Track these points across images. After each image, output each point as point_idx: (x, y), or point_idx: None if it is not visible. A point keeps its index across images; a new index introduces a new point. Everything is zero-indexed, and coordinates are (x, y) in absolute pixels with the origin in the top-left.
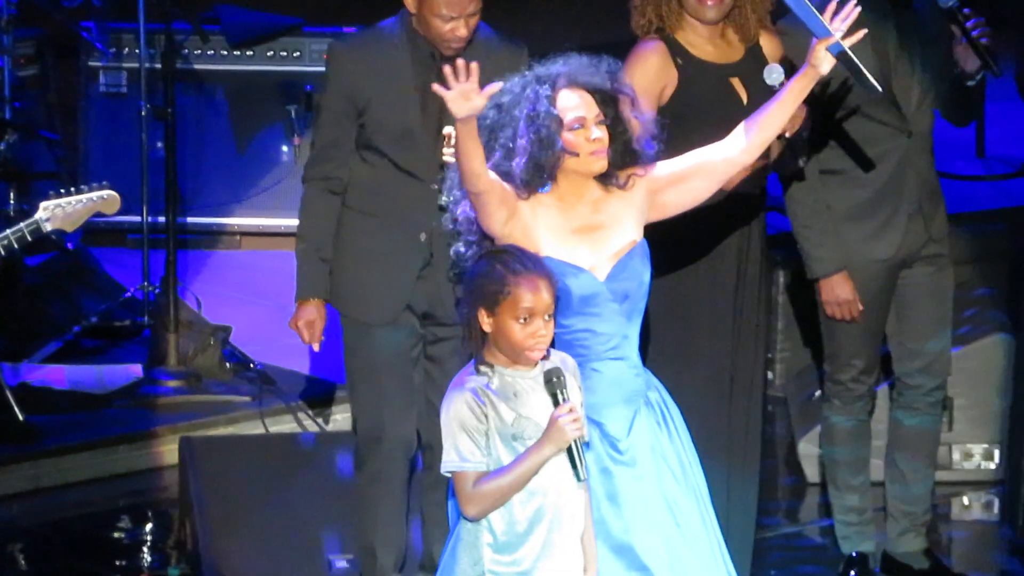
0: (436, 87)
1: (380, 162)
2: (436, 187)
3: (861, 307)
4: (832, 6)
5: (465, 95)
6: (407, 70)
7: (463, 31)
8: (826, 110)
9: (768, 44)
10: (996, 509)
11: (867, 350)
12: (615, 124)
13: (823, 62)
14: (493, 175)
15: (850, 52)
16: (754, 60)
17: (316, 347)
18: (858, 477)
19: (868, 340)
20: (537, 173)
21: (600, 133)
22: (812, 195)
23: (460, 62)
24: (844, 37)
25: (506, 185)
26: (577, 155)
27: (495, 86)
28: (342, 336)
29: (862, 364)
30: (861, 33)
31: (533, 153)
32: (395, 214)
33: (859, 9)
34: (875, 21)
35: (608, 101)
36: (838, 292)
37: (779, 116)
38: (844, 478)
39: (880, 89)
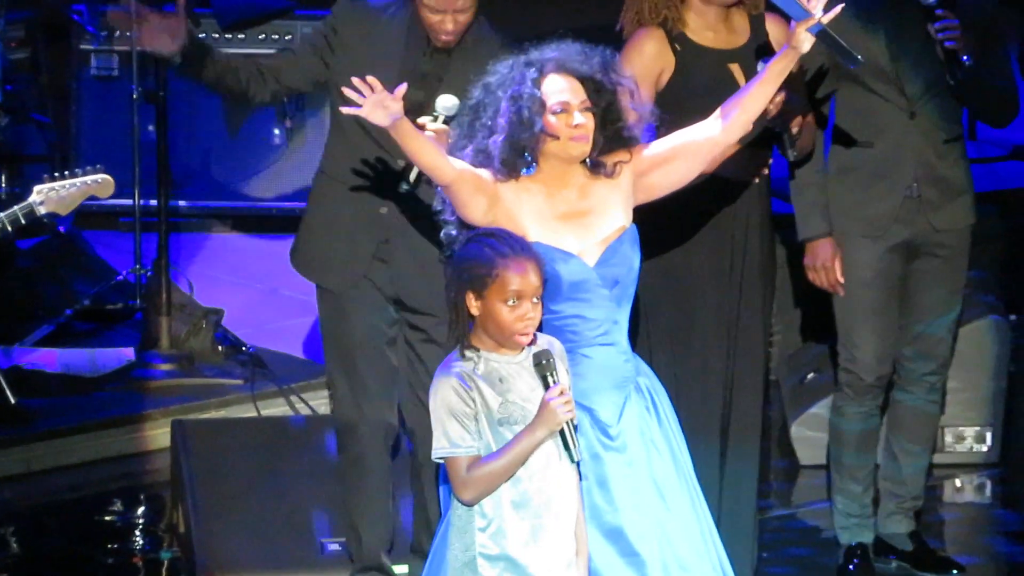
0: (345, 110)
1: (356, 131)
2: (402, 163)
3: (842, 280)
4: None
5: (378, 104)
6: (399, 45)
7: (449, 25)
8: (827, 80)
9: (774, 29)
10: (988, 492)
11: (877, 337)
12: (607, 113)
13: (803, 42)
14: (461, 164)
15: (830, 30)
16: (756, 46)
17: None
18: (863, 467)
19: (877, 327)
20: (516, 153)
21: (583, 120)
22: (814, 161)
23: (355, 80)
24: (823, 15)
25: (480, 172)
26: (557, 138)
27: (402, 88)
28: (318, 313)
29: (872, 351)
30: (838, 8)
31: (511, 132)
32: (360, 183)
33: None
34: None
35: (601, 90)
36: (820, 255)
37: (760, 96)
38: (849, 467)
39: (862, 60)
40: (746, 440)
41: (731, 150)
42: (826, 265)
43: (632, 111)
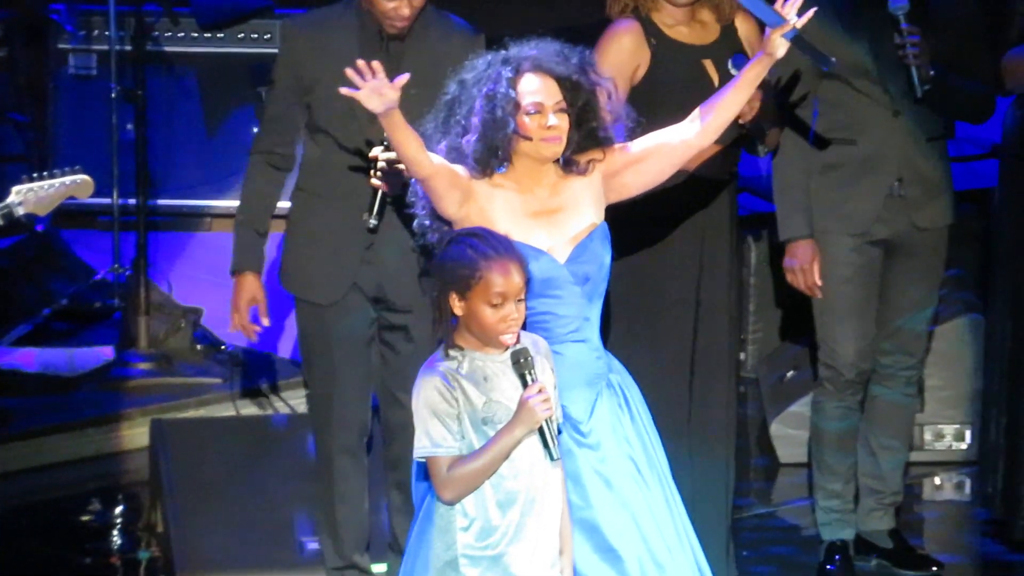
0: (344, 90)
1: (327, 143)
2: (370, 196)
3: (820, 283)
4: None
5: (376, 91)
6: (354, 49)
7: (406, 10)
8: (806, 79)
9: (744, 27)
10: (968, 489)
11: (856, 334)
12: (583, 112)
13: (778, 48)
14: (438, 159)
15: (803, 36)
16: (728, 43)
17: (266, 322)
18: (844, 463)
19: (857, 324)
20: (489, 153)
21: (556, 121)
22: (798, 161)
23: (360, 62)
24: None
25: (457, 168)
26: (530, 139)
27: (403, 77)
28: (296, 320)
29: (852, 347)
30: (810, 13)
31: (485, 132)
32: (339, 194)
33: None
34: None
35: (578, 90)
36: (799, 257)
37: (735, 101)
38: (829, 463)
39: (835, 62)
40: (716, 441)
41: (707, 150)
42: (804, 267)
43: (608, 112)
